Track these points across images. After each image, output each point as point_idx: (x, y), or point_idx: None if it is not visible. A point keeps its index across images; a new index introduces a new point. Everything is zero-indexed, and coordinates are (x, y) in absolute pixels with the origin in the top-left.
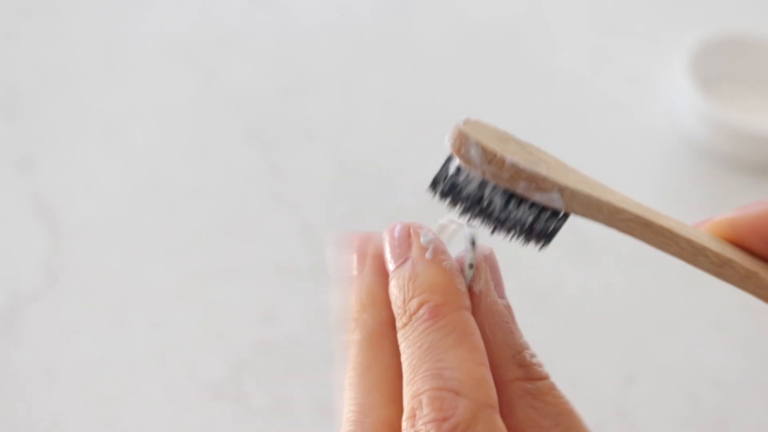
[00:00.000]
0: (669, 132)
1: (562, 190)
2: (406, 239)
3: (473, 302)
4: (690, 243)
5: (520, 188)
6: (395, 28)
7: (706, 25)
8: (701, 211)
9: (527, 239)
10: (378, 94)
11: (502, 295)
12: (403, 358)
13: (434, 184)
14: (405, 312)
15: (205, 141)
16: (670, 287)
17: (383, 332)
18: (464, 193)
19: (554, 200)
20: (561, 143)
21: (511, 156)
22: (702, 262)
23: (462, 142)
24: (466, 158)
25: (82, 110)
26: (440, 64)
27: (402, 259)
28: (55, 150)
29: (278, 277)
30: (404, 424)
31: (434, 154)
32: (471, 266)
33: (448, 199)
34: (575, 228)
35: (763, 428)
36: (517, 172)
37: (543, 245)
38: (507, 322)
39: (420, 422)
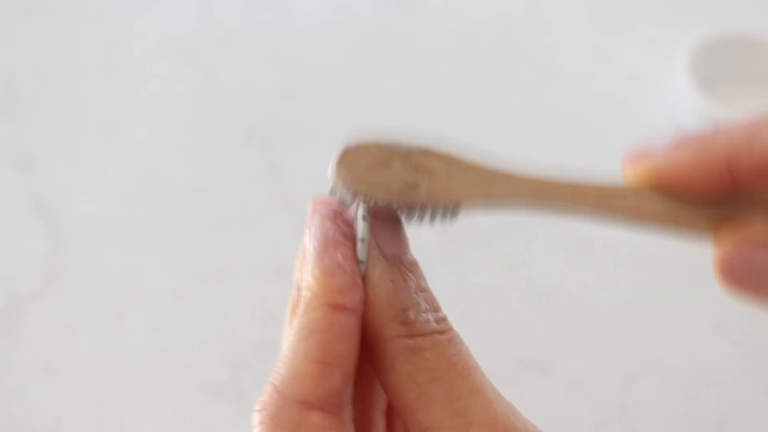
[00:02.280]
0: (669, 132)
1: (442, 207)
2: (313, 212)
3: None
4: (595, 213)
5: (400, 212)
6: (395, 27)
7: (706, 25)
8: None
9: (432, 222)
10: (378, 94)
11: (395, 252)
12: None
13: (332, 192)
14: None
15: (205, 141)
16: (669, 287)
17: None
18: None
19: (437, 212)
20: (561, 143)
21: (383, 194)
22: (613, 223)
23: (336, 184)
24: (342, 196)
25: (82, 110)
26: (440, 64)
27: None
28: (55, 150)
29: (278, 277)
30: None
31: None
32: (363, 240)
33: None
34: (575, 228)
35: (763, 428)
36: (390, 206)
37: (450, 219)
38: (392, 281)
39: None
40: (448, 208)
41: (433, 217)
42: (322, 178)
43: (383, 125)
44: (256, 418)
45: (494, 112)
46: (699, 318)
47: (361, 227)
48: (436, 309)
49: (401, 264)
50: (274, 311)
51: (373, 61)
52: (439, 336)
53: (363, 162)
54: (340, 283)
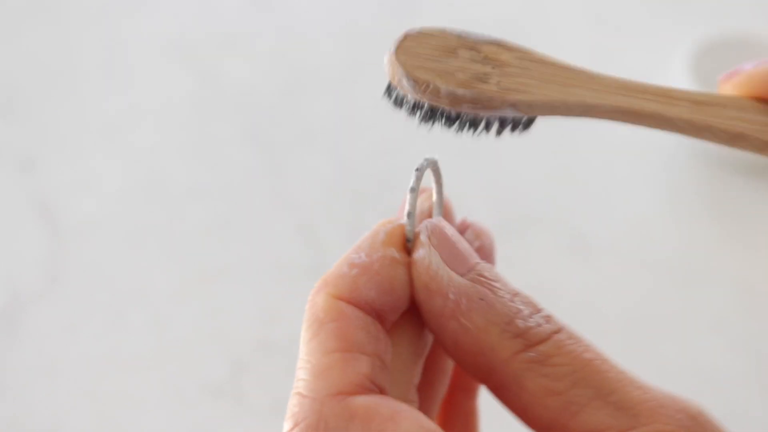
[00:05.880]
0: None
1: (514, 105)
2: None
3: (426, 292)
4: (690, 123)
5: (466, 108)
6: (395, 27)
7: (706, 25)
8: (701, 212)
9: (500, 133)
10: (378, 93)
11: (468, 268)
12: None
13: (388, 92)
14: None
15: (205, 141)
16: (669, 287)
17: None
18: (414, 108)
19: (509, 113)
20: (561, 143)
21: (447, 83)
22: (708, 137)
23: (394, 72)
24: (402, 87)
25: (82, 110)
26: None
27: None
28: (56, 150)
29: (278, 277)
30: None
31: (435, 153)
32: (410, 215)
33: (402, 109)
34: (575, 228)
35: (763, 428)
36: (456, 98)
37: (522, 131)
38: (482, 299)
39: None
40: (521, 107)
41: (503, 122)
42: (323, 178)
43: None
44: None
45: None
46: (699, 318)
47: (409, 200)
48: (538, 309)
49: (481, 277)
50: (274, 311)
51: (374, 61)
52: (558, 336)
53: (425, 49)
54: (355, 280)
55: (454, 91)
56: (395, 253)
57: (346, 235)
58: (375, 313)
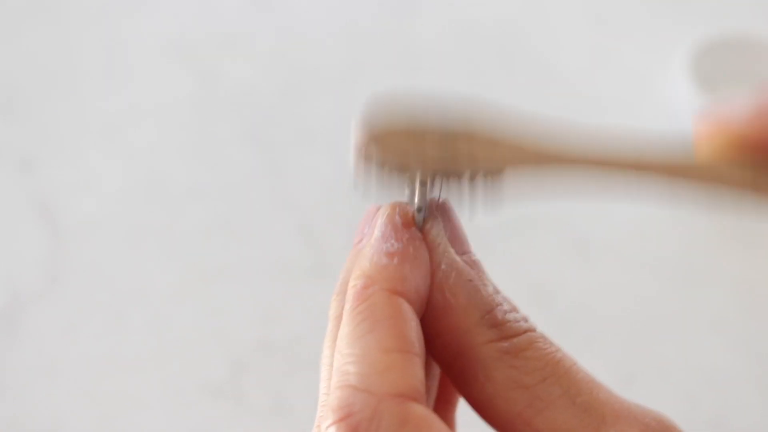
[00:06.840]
0: (669, 132)
1: (487, 180)
2: (371, 217)
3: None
4: (666, 169)
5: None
6: (396, 27)
7: (706, 26)
8: (701, 212)
9: (474, 205)
10: (378, 92)
11: (463, 251)
12: None
13: (356, 174)
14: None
15: (205, 141)
16: (669, 287)
17: None
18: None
19: (479, 187)
20: None
21: (413, 175)
22: (685, 183)
23: (363, 163)
24: (371, 173)
25: (82, 110)
26: (441, 65)
27: (360, 237)
28: (55, 150)
29: (278, 277)
30: (314, 429)
31: None
32: (420, 210)
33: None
34: (575, 228)
35: (762, 428)
36: (422, 185)
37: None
38: (470, 280)
39: (324, 425)
40: (491, 180)
41: (473, 196)
42: (323, 178)
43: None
44: (341, 429)
45: None
46: (699, 318)
47: (418, 194)
48: (517, 309)
49: (473, 262)
50: (274, 311)
51: (374, 61)
52: (533, 334)
53: (392, 136)
54: (401, 270)
55: (420, 183)
56: (417, 233)
57: (346, 235)
58: (418, 303)
